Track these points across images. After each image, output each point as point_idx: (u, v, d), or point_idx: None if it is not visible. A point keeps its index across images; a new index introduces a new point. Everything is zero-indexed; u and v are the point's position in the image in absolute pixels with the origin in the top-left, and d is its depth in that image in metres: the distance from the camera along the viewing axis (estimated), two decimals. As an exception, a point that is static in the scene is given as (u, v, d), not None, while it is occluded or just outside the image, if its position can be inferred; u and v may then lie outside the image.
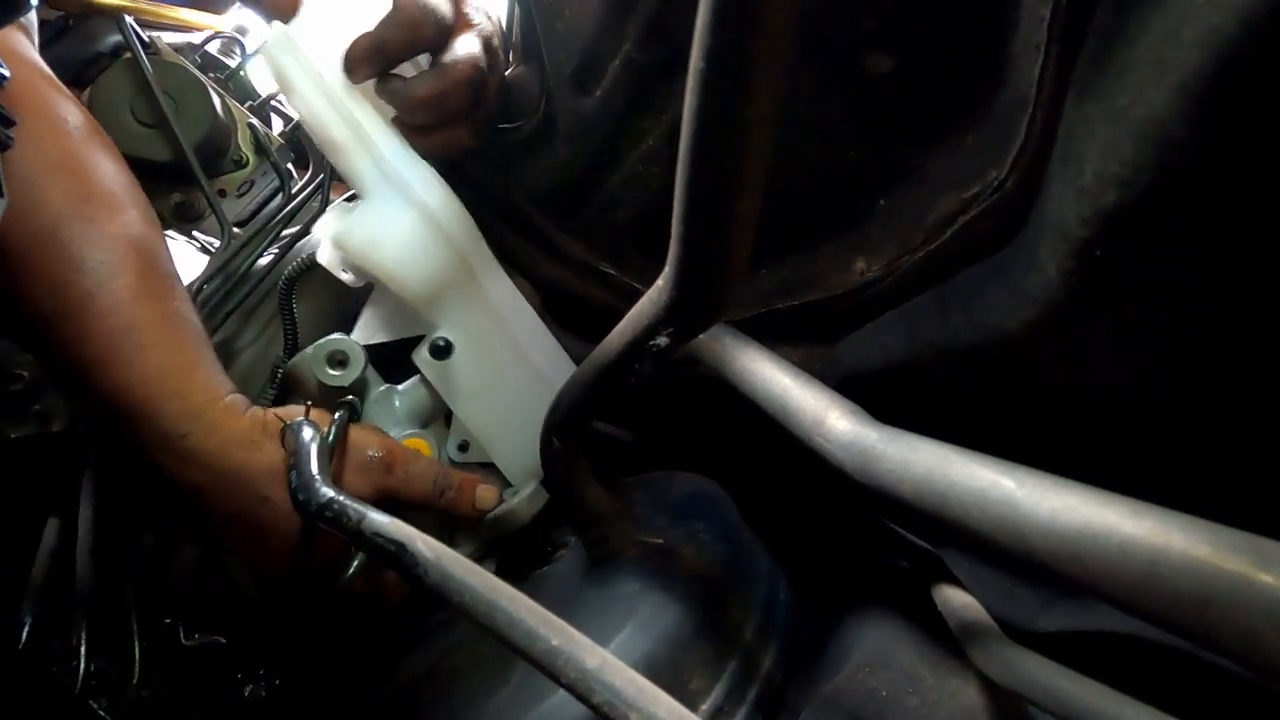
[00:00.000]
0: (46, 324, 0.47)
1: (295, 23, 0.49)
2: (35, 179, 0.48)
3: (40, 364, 0.56)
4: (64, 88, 0.56)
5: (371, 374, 0.53)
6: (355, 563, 0.47)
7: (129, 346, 0.47)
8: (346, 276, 0.51)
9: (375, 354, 0.53)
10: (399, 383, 0.55)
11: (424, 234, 0.49)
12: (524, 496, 0.52)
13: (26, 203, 0.46)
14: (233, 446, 0.47)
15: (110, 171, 0.54)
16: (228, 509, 0.47)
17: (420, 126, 0.50)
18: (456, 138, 0.52)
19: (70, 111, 0.54)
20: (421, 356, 0.52)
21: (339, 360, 0.50)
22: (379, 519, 0.32)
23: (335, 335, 0.51)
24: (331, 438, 0.46)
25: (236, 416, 0.48)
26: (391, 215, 0.48)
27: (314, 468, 0.38)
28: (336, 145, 0.49)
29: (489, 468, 0.55)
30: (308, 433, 0.43)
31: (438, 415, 0.56)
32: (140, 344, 0.47)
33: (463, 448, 0.55)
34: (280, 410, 0.50)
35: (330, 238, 0.49)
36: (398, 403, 0.54)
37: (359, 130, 0.49)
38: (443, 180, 0.51)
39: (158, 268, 0.52)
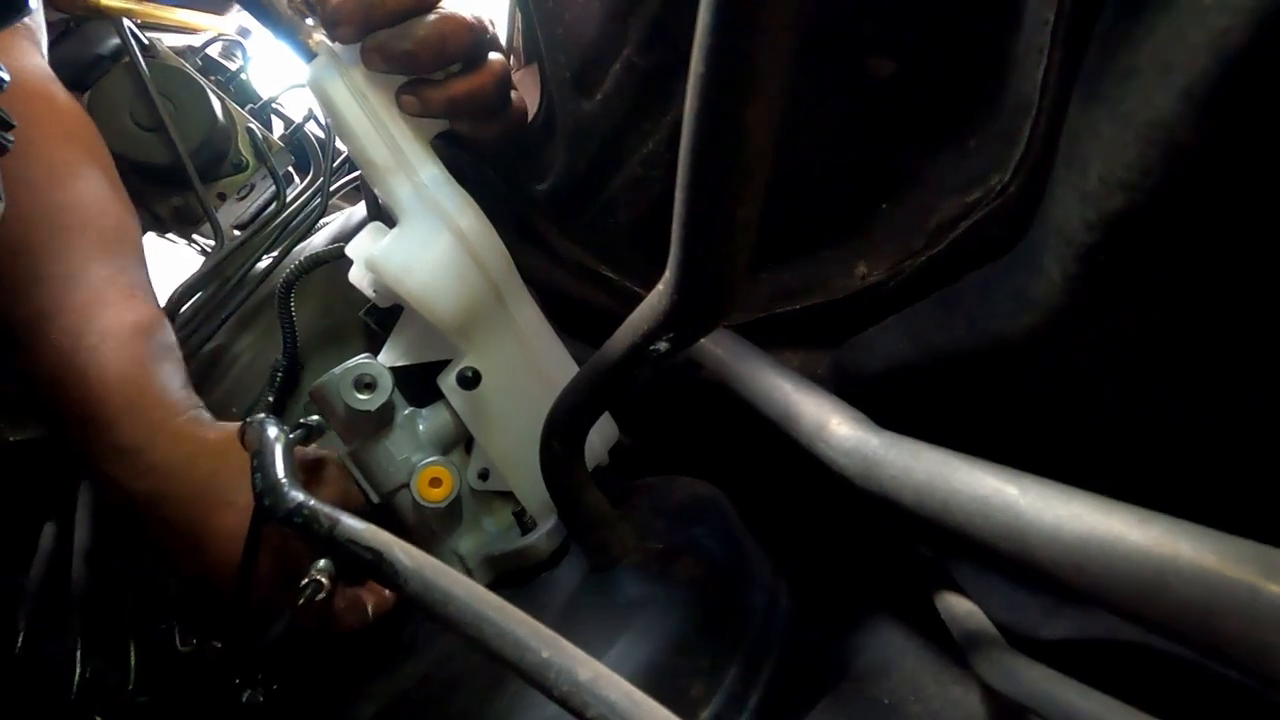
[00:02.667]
0: (12, 332, 0.47)
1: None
2: (14, 185, 0.48)
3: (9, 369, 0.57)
4: (64, 91, 0.56)
5: (397, 398, 0.52)
6: (315, 571, 0.45)
7: (84, 361, 0.47)
8: (376, 297, 0.51)
9: (398, 374, 0.53)
10: (419, 403, 0.55)
11: (458, 262, 0.48)
12: (544, 532, 0.51)
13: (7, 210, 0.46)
14: (201, 457, 0.46)
15: (93, 178, 0.53)
16: (181, 517, 0.46)
17: (430, 83, 0.49)
18: (468, 90, 0.50)
19: (66, 116, 0.54)
20: (448, 384, 0.51)
21: (366, 384, 0.50)
22: (353, 524, 0.31)
23: (363, 358, 0.50)
24: (293, 439, 0.44)
25: (204, 428, 0.48)
26: (427, 240, 0.48)
27: (280, 471, 0.37)
28: (377, 167, 0.49)
29: (508, 496, 0.55)
30: (272, 431, 0.41)
31: (459, 441, 0.55)
32: (95, 361, 0.47)
33: (483, 475, 0.54)
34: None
35: (365, 260, 0.48)
36: (421, 427, 0.53)
37: (400, 154, 0.49)
38: (479, 208, 0.50)
39: (123, 279, 0.51)
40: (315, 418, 0.50)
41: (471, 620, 0.26)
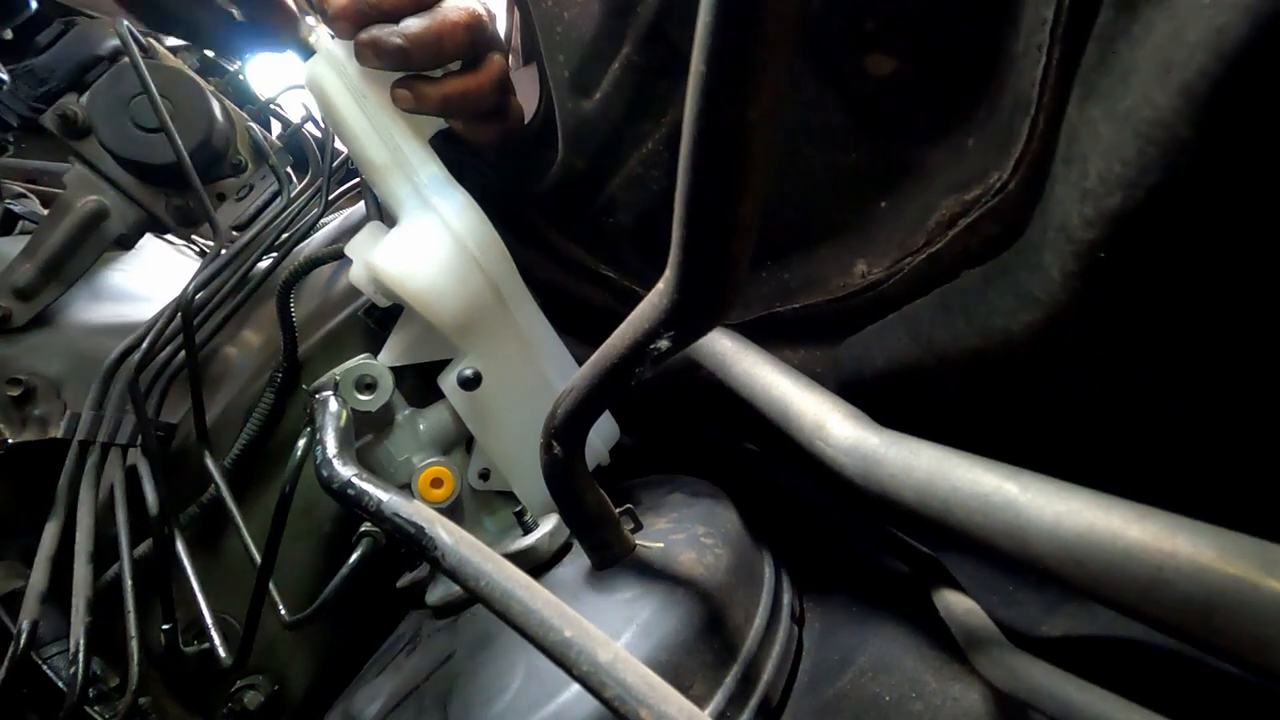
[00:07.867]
0: None
1: (340, 40, 0.48)
2: None
3: None
4: None
5: (397, 398, 0.52)
6: None
7: None
8: (377, 297, 0.51)
9: (398, 374, 0.53)
10: (420, 402, 0.55)
11: (458, 262, 0.48)
12: (545, 532, 0.51)
13: None
14: None
15: None
16: None
17: (426, 79, 0.49)
18: (464, 90, 0.50)
19: None
20: (449, 385, 0.51)
21: (367, 385, 0.50)
22: (399, 501, 0.32)
23: (364, 359, 0.51)
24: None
25: None
26: (427, 241, 0.48)
27: (334, 448, 0.38)
28: (375, 167, 0.49)
29: (509, 496, 0.55)
30: (334, 406, 0.43)
31: (460, 441, 0.55)
32: None
33: (484, 475, 0.54)
34: None
35: (365, 260, 0.48)
36: (422, 427, 0.54)
37: (399, 153, 0.49)
38: (478, 207, 0.50)
39: None
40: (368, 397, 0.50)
41: (500, 596, 0.27)
